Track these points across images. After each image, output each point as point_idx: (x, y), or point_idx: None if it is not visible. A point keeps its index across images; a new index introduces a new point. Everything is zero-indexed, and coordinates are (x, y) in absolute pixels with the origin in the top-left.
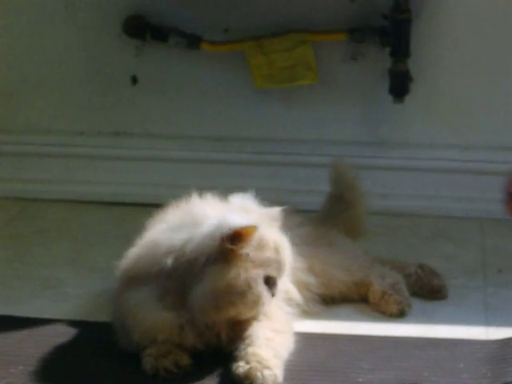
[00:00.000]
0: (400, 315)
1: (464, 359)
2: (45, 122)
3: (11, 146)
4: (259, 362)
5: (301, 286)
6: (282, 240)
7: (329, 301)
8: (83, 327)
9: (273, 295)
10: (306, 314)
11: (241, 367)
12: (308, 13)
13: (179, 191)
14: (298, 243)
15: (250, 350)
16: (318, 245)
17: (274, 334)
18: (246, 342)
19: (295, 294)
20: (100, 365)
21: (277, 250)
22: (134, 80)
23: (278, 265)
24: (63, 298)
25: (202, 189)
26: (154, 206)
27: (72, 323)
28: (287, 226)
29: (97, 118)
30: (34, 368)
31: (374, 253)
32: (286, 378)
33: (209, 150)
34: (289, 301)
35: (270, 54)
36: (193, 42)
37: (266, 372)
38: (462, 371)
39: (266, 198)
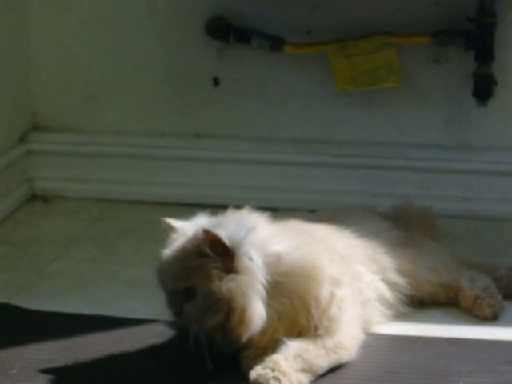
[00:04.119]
0: (494, 318)
1: None
2: (126, 123)
3: (92, 147)
4: (272, 370)
5: (390, 286)
6: None
7: (417, 303)
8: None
9: None
10: (395, 315)
11: (254, 371)
12: (392, 15)
13: (260, 193)
14: (387, 245)
15: (274, 357)
16: (405, 246)
17: (314, 346)
18: (279, 349)
19: (387, 294)
20: (196, 365)
21: None
22: (216, 81)
23: None
24: (153, 298)
25: (282, 191)
26: (234, 208)
27: (165, 323)
28: (375, 231)
29: (177, 120)
30: (132, 367)
31: (460, 256)
32: (385, 380)
33: (290, 153)
34: (381, 301)
35: (354, 57)
36: (276, 43)
37: (272, 382)
38: None
39: (348, 200)
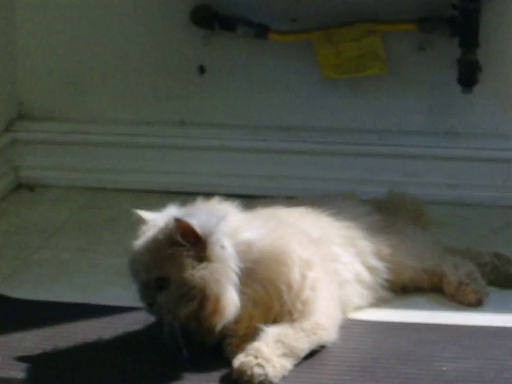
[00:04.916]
0: (478, 304)
1: None
2: (111, 111)
3: (77, 135)
4: (256, 358)
5: (369, 270)
6: None
7: (400, 289)
8: None
9: None
10: (377, 299)
11: (237, 359)
12: (376, 2)
13: (246, 181)
14: (366, 229)
15: (255, 344)
16: (386, 232)
17: (293, 330)
18: (258, 336)
19: (366, 276)
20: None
21: None
22: (202, 69)
23: None
24: None
25: (268, 178)
26: (220, 196)
27: None
28: (354, 215)
29: (163, 108)
30: (117, 355)
31: (445, 243)
32: (368, 367)
33: (275, 140)
34: (360, 283)
35: (338, 44)
36: (261, 31)
37: (256, 370)
38: None
39: (333, 187)
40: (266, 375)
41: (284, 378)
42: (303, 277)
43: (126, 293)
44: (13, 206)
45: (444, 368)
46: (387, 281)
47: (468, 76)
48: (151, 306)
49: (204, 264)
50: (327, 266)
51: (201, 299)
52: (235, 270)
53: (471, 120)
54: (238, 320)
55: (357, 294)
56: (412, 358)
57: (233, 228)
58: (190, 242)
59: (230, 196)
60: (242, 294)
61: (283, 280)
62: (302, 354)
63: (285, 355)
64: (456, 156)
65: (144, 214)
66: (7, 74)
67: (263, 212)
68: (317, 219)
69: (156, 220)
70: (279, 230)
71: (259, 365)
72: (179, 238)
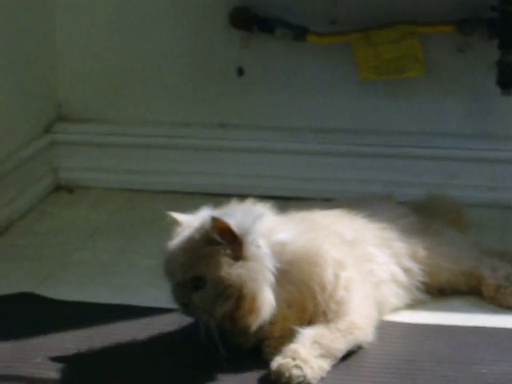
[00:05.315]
0: None
1: None
2: (150, 113)
3: (116, 137)
4: (293, 359)
5: (404, 271)
6: None
7: (437, 292)
8: None
9: None
10: (413, 301)
11: (275, 362)
12: (415, 4)
13: (284, 183)
14: (402, 231)
15: (293, 346)
16: (423, 234)
17: (329, 330)
18: (295, 338)
19: (402, 277)
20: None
21: None
22: (240, 71)
23: None
24: None
25: (306, 180)
26: (258, 198)
27: None
28: (390, 217)
29: (202, 110)
30: (154, 356)
31: (484, 245)
32: (406, 369)
33: (313, 142)
34: (396, 283)
35: (377, 46)
36: (299, 33)
37: (294, 371)
38: None
39: (372, 190)
40: (305, 376)
41: (322, 379)
42: (336, 277)
43: (164, 294)
44: (52, 208)
45: (483, 371)
46: (423, 283)
47: (507, 78)
48: (186, 307)
49: (240, 263)
50: (362, 267)
51: (237, 298)
52: (271, 269)
53: (510, 122)
54: (272, 321)
55: (393, 294)
56: (450, 360)
57: (267, 229)
58: (226, 241)
59: (267, 198)
60: (276, 295)
61: (317, 281)
62: (340, 355)
63: (322, 356)
64: (496, 158)
65: (177, 215)
66: (46, 75)
67: (297, 214)
68: (351, 221)
69: (190, 221)
70: (312, 231)
71: (297, 366)
72: (216, 237)
